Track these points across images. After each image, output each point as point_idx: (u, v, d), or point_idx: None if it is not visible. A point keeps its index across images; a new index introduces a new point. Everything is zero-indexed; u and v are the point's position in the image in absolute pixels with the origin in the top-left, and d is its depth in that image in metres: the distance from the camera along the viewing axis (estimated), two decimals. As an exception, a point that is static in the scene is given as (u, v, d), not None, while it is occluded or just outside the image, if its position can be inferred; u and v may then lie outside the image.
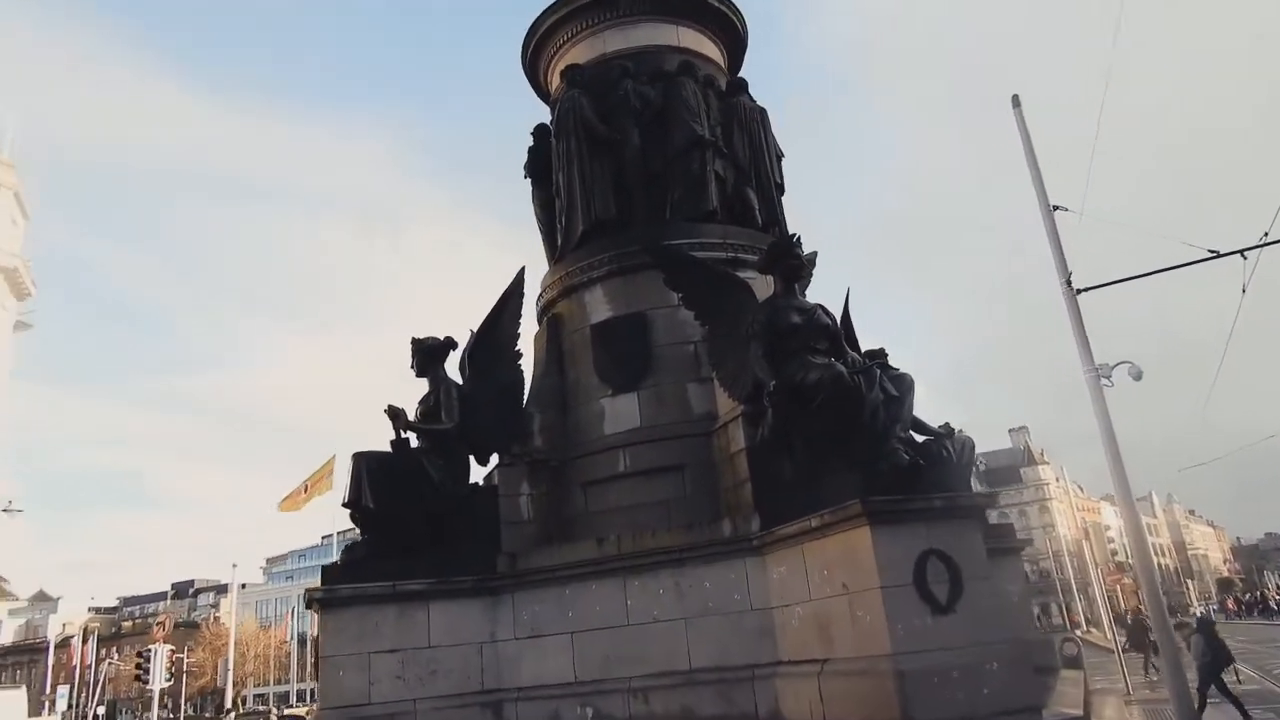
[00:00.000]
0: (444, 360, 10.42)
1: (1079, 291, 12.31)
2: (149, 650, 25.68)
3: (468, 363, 10.56)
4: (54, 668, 66.25)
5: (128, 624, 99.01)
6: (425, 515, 9.45)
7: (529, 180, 12.98)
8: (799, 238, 9.70)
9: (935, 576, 7.03)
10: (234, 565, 35.16)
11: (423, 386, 10.41)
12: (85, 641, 70.30)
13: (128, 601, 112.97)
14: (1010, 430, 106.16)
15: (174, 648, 29.38)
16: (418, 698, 8.75)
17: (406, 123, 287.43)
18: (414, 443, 9.90)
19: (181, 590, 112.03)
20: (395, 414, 9.68)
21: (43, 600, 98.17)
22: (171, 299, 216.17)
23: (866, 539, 7.11)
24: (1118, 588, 58.54)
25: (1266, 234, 11.10)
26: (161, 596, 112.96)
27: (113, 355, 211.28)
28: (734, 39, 13.63)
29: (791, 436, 8.35)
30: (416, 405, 10.24)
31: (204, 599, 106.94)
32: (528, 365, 11.19)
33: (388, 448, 9.75)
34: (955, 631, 6.90)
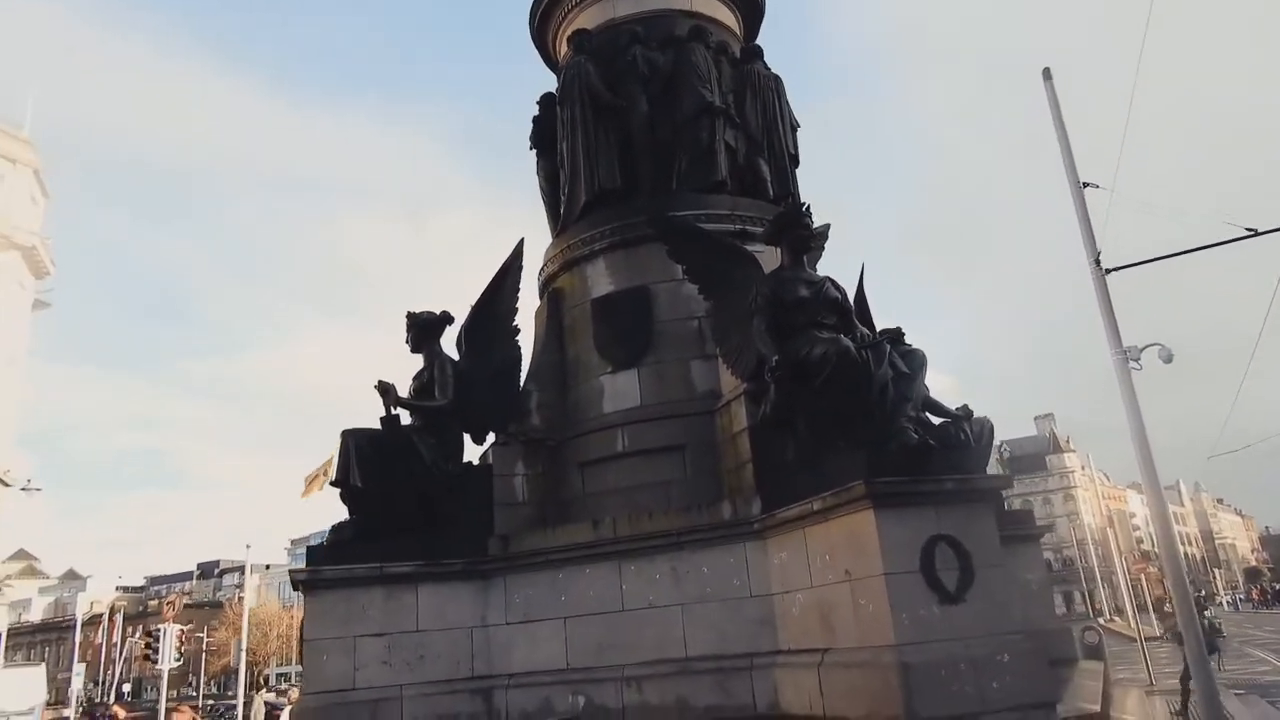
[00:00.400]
0: (440, 335, 10.05)
1: (1108, 271, 11.91)
2: (158, 630, 25.67)
3: (464, 338, 10.19)
4: (80, 646, 67.13)
5: (154, 603, 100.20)
6: (415, 495, 9.10)
7: (534, 151, 12.58)
8: (808, 207, 9.29)
9: (944, 563, 6.63)
10: (247, 546, 35.23)
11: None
12: (111, 620, 71.16)
13: (155, 581, 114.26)
14: (1036, 417, 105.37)
15: (183, 627, 29.34)
16: (405, 683, 8.43)
17: (442, 109, 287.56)
18: (407, 420, 9.56)
19: (207, 570, 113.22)
20: (385, 389, 9.30)
21: (73, 579, 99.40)
22: (196, 282, 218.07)
23: (870, 523, 6.70)
24: (1142, 576, 57.66)
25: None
26: (187, 576, 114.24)
27: (135, 336, 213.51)
28: (751, 5, 13.12)
29: (795, 415, 7.94)
30: (410, 381, 9.88)
31: (229, 579, 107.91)
32: (528, 341, 10.84)
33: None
34: (964, 622, 6.50)
